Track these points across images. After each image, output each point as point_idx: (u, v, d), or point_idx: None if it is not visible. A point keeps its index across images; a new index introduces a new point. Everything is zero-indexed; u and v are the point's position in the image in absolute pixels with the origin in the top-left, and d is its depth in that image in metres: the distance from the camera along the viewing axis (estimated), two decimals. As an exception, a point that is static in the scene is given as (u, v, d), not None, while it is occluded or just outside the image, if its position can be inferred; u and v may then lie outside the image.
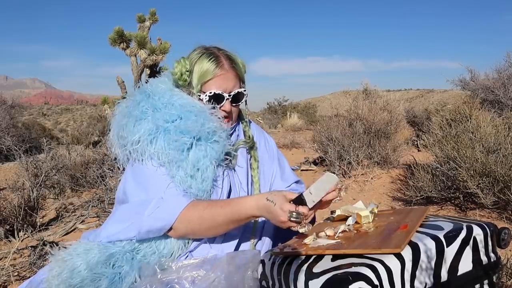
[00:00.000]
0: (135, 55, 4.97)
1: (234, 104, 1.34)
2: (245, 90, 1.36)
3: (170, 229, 1.17)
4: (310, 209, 1.10)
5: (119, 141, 1.28)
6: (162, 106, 1.25)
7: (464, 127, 3.65)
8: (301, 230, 1.08)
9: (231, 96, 1.32)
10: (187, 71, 1.31)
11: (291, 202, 1.09)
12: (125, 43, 4.99)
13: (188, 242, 1.25)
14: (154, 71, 5.13)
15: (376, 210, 1.24)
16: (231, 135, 1.39)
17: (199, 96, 1.30)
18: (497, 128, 3.44)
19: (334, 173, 1.17)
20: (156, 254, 1.21)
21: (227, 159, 1.33)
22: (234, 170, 1.37)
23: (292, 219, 1.07)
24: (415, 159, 4.50)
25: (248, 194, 1.37)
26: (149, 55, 4.88)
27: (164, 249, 1.21)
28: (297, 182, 1.57)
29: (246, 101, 1.40)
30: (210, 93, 1.29)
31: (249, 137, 1.43)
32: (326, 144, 5.34)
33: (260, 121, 12.77)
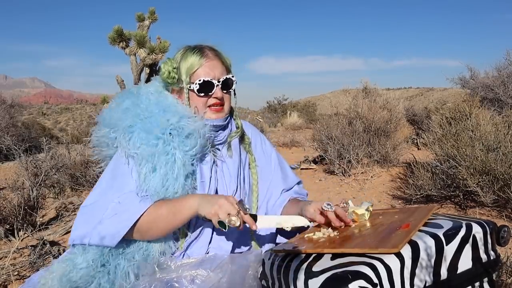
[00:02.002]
0: (135, 54, 4.96)
1: (225, 91, 1.35)
2: (233, 76, 1.37)
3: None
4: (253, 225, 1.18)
5: (101, 139, 1.32)
6: (145, 104, 1.28)
7: (464, 125, 3.65)
8: (232, 219, 1.12)
9: (220, 82, 1.33)
10: (174, 68, 1.32)
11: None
12: (124, 42, 4.98)
13: (180, 241, 1.26)
14: (154, 70, 5.12)
15: (371, 208, 1.25)
16: (224, 128, 1.39)
17: (189, 87, 1.31)
18: (497, 126, 3.44)
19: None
20: (146, 252, 1.22)
21: (214, 154, 1.34)
22: (223, 165, 1.37)
23: (240, 205, 1.16)
24: (415, 158, 4.50)
25: (237, 189, 1.37)
26: (148, 54, 4.87)
27: (152, 249, 1.23)
28: (298, 183, 1.59)
29: (234, 90, 1.40)
30: (200, 80, 1.30)
31: (237, 126, 1.45)
32: (326, 142, 5.34)
33: (260, 120, 12.76)
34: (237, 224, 1.13)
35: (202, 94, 1.31)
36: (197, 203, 1.18)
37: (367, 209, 1.23)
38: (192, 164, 1.26)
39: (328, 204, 1.23)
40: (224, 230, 1.15)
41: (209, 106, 1.33)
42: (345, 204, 1.26)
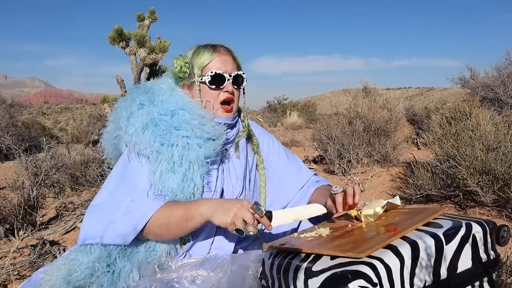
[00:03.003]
0: (135, 54, 4.96)
1: (236, 87, 1.35)
2: (244, 74, 1.38)
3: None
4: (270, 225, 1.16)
5: (113, 134, 1.30)
6: (159, 101, 1.27)
7: (464, 125, 3.65)
8: (249, 229, 1.11)
9: (231, 77, 1.33)
10: (186, 63, 1.33)
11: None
12: (124, 42, 4.98)
13: (184, 242, 1.26)
14: (154, 69, 5.12)
15: (380, 210, 1.23)
16: (232, 127, 1.39)
17: (201, 79, 1.31)
18: (496, 126, 3.44)
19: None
20: (153, 252, 1.21)
21: (223, 153, 1.34)
22: (230, 166, 1.37)
23: (255, 209, 1.13)
24: (414, 157, 4.50)
25: (243, 190, 1.36)
26: (148, 53, 4.87)
27: (159, 248, 1.22)
28: (314, 174, 1.59)
29: (244, 89, 1.40)
30: (212, 72, 1.30)
31: (245, 125, 1.44)
32: (326, 142, 5.34)
33: (260, 119, 12.76)
34: (255, 233, 1.12)
35: (214, 87, 1.31)
36: (211, 211, 1.15)
37: (375, 210, 1.22)
38: (206, 165, 1.26)
39: (336, 187, 1.24)
40: (241, 236, 1.13)
41: (220, 103, 1.32)
42: (360, 185, 1.25)
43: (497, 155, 3.12)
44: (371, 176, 4.74)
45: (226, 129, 1.35)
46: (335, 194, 1.24)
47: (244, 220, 1.12)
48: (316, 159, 6.01)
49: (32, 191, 3.50)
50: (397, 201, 1.29)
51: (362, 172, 4.87)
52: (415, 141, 6.33)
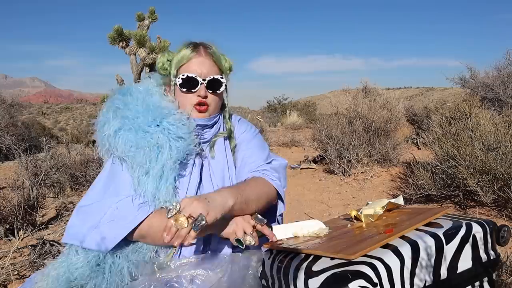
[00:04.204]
0: (135, 54, 4.97)
1: (211, 91, 1.31)
2: (222, 78, 1.32)
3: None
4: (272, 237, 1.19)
5: (101, 139, 1.30)
6: (134, 104, 1.27)
7: (464, 125, 3.65)
8: (247, 239, 1.14)
9: (206, 81, 1.29)
10: (168, 60, 1.32)
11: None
12: (124, 42, 4.98)
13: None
14: (154, 69, 5.12)
15: (380, 210, 1.23)
16: (212, 126, 1.36)
17: (175, 81, 1.30)
18: (496, 126, 3.44)
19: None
20: (140, 249, 1.22)
21: (200, 153, 1.32)
22: (208, 164, 1.35)
23: (256, 219, 1.17)
24: (414, 157, 4.50)
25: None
26: (148, 53, 4.87)
27: (147, 246, 1.22)
28: (269, 163, 1.43)
29: (226, 89, 1.37)
30: (183, 75, 1.28)
31: (227, 129, 1.41)
32: (326, 142, 5.34)
33: (260, 119, 12.75)
34: (253, 243, 1.15)
35: (185, 90, 1.29)
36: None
37: (375, 210, 1.22)
38: (180, 164, 1.25)
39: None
40: (242, 248, 1.16)
41: (194, 105, 1.30)
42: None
43: (497, 155, 3.12)
44: (371, 176, 4.74)
45: (204, 130, 1.33)
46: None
47: (244, 231, 1.15)
48: (316, 159, 6.01)
49: (32, 191, 3.51)
50: (400, 201, 1.28)
51: (362, 172, 4.87)
52: (415, 141, 6.34)
